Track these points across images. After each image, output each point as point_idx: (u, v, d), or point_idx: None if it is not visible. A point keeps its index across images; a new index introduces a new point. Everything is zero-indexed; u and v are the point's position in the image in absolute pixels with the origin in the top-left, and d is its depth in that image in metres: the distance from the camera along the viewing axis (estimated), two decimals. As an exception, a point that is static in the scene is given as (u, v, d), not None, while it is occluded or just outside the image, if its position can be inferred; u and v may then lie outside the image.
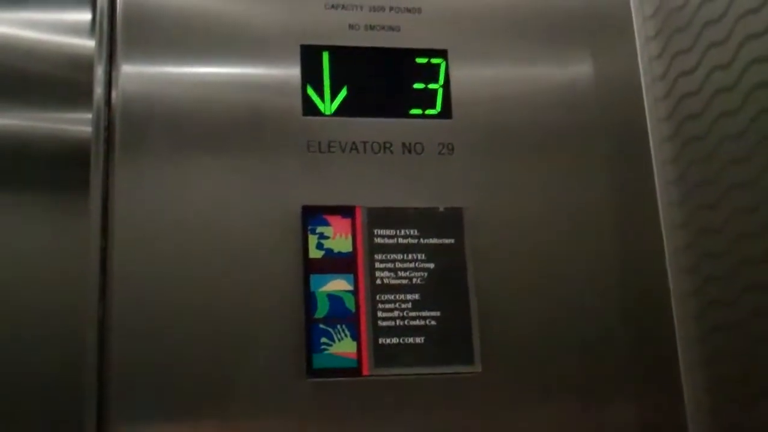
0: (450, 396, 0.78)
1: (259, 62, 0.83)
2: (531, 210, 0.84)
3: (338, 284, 0.78)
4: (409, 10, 0.87)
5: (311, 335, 0.76)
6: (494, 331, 0.79)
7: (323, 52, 0.84)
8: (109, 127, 0.79)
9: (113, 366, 0.73)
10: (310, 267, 0.78)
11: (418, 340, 0.78)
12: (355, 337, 0.77)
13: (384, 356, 0.77)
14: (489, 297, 0.80)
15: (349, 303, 0.78)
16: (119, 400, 0.73)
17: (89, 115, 0.78)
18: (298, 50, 0.84)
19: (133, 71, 0.80)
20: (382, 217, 0.80)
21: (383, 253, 0.79)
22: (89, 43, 0.80)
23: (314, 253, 0.78)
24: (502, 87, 0.87)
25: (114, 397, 0.73)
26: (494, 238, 0.82)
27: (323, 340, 0.76)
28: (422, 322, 0.78)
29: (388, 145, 0.83)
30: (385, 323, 0.78)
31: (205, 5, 0.83)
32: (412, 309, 0.79)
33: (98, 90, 0.79)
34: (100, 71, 0.80)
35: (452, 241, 0.81)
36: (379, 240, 0.80)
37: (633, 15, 0.92)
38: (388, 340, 0.78)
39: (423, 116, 0.85)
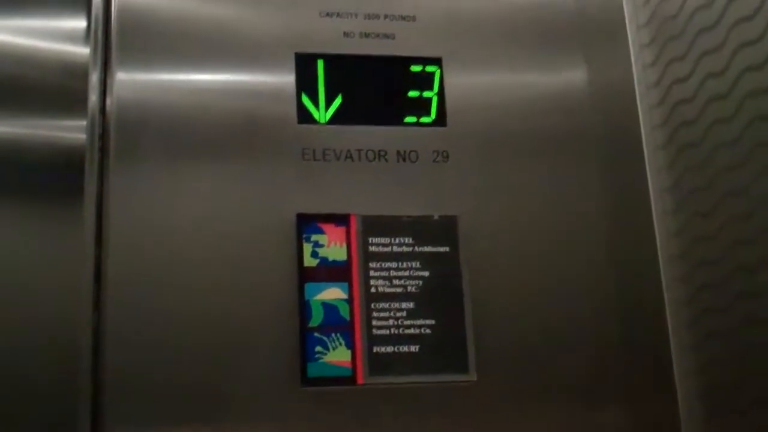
0: (445, 405, 0.78)
1: (254, 70, 0.83)
2: (525, 218, 0.84)
3: (333, 293, 0.78)
4: (403, 18, 0.87)
5: (306, 344, 0.76)
6: (489, 339, 0.79)
7: (318, 59, 0.84)
8: (104, 134, 0.79)
9: (108, 373, 0.73)
10: (305, 275, 0.78)
11: (413, 348, 0.78)
12: (350, 345, 0.77)
13: (379, 365, 0.77)
14: (484, 305, 0.80)
15: (344, 311, 0.78)
16: (114, 406, 0.72)
17: (84, 122, 0.78)
18: (292, 58, 0.84)
19: (127, 78, 0.80)
20: (376, 225, 0.80)
21: (378, 261, 0.79)
22: (84, 51, 0.80)
23: (309, 262, 0.78)
24: (496, 95, 0.87)
25: (108, 403, 0.72)
26: (489, 246, 0.82)
27: (318, 348, 0.76)
28: (417, 331, 0.78)
29: (382, 153, 0.83)
30: (379, 332, 0.78)
31: (200, 13, 0.83)
32: (407, 317, 0.78)
33: (93, 97, 0.79)
34: (94, 78, 0.80)
35: (447, 249, 0.81)
36: (373, 248, 0.80)
37: (627, 22, 0.92)
38: (382, 349, 0.77)
39: (418, 124, 0.85)
